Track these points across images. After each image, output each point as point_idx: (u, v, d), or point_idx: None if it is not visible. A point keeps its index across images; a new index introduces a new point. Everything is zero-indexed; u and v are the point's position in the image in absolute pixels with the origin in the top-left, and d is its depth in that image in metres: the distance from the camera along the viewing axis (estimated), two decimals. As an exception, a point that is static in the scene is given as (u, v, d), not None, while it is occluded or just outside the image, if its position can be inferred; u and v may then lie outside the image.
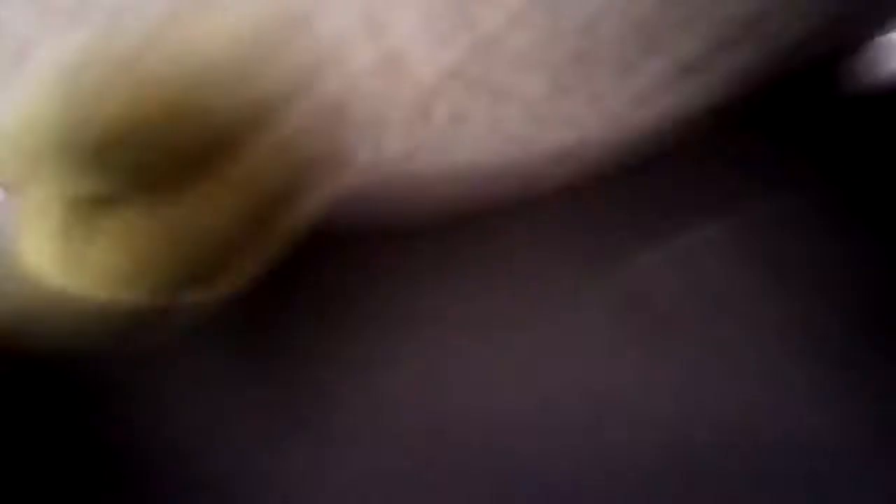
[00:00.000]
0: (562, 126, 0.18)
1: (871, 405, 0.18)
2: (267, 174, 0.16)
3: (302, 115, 0.17)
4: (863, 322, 0.19)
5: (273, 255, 0.17)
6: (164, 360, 0.20)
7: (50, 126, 0.14)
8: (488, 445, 0.19)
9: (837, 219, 0.19)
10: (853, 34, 0.20)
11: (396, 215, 0.19)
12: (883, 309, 0.19)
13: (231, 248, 0.16)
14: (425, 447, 0.19)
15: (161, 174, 0.15)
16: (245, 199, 0.16)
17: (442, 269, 0.20)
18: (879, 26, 0.20)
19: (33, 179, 0.14)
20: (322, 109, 0.17)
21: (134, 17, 0.15)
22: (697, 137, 0.19)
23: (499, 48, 0.16)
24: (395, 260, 0.20)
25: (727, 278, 0.19)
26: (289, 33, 0.16)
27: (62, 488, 0.19)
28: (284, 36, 0.16)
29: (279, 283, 0.18)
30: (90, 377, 0.20)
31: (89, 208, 0.14)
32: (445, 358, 0.19)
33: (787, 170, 0.20)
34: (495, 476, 0.19)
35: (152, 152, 0.14)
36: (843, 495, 0.17)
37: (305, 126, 0.17)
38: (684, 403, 0.18)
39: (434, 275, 0.20)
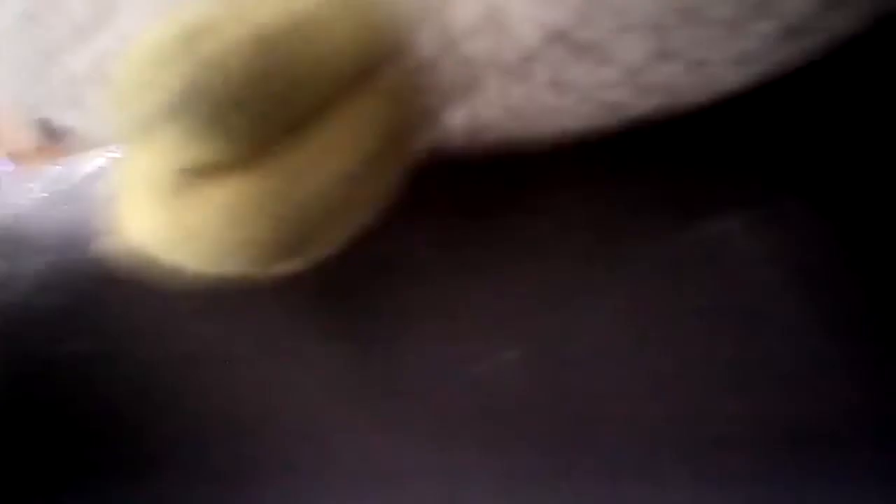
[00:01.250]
0: (658, 93, 0.17)
1: (878, 400, 0.18)
2: (365, 134, 0.16)
3: (398, 74, 0.16)
4: (868, 319, 0.18)
5: (366, 220, 0.17)
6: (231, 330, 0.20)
7: (167, 90, 0.13)
8: (489, 442, 0.18)
9: (842, 218, 0.19)
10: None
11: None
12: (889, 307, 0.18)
13: (329, 214, 0.16)
14: (427, 441, 0.19)
15: (272, 137, 0.14)
16: (344, 162, 0.15)
17: (447, 265, 0.20)
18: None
19: (143, 145, 0.14)
20: (417, 69, 0.16)
21: None
22: (702, 136, 0.19)
23: (605, 8, 0.16)
24: (398, 254, 0.19)
25: (735, 276, 0.18)
26: None
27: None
28: None
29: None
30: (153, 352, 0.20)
31: (196, 176, 0.14)
32: (446, 353, 0.19)
33: (794, 169, 0.19)
34: (497, 472, 0.18)
35: (267, 114, 0.14)
36: (850, 488, 0.17)
37: (400, 85, 0.16)
38: (690, 399, 0.18)
39: (438, 270, 0.20)
